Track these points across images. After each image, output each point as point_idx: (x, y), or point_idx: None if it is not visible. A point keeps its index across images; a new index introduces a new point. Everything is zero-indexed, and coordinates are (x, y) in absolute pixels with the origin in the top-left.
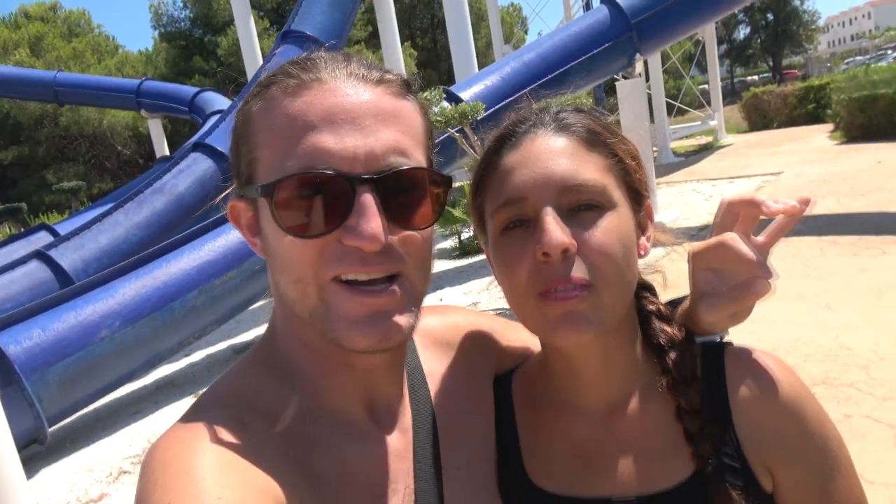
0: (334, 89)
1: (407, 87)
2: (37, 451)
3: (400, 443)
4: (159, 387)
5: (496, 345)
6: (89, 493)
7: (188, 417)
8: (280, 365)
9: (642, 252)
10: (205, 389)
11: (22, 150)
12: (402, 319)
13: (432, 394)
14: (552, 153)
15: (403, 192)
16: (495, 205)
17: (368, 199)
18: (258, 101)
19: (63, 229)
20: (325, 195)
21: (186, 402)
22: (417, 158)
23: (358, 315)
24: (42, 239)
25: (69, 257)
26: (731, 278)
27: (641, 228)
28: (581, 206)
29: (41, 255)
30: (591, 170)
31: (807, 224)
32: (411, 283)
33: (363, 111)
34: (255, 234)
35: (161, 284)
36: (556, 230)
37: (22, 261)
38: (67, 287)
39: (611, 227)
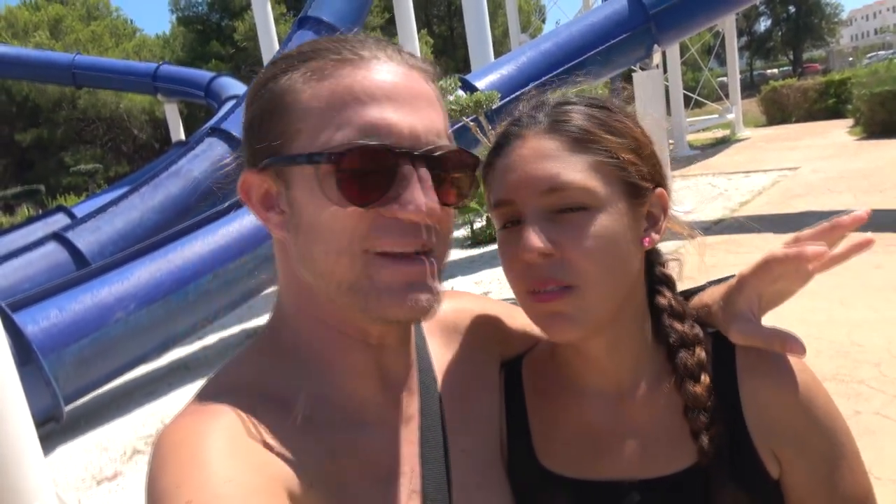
0: (388, 68)
1: (433, 76)
2: (53, 430)
3: (408, 426)
4: (173, 369)
5: (504, 330)
6: (104, 472)
7: (196, 402)
8: (288, 349)
9: (647, 244)
10: (211, 375)
11: (41, 133)
12: (434, 289)
13: (438, 378)
14: (537, 156)
15: (446, 170)
16: (491, 203)
17: (425, 174)
18: (300, 73)
19: (80, 211)
20: (383, 167)
21: (199, 385)
22: (451, 140)
23: (400, 283)
24: (59, 221)
25: (86, 239)
26: (779, 298)
27: (650, 220)
28: (566, 208)
29: (58, 236)
30: (575, 170)
31: (822, 220)
32: (439, 259)
33: (416, 92)
34: (270, 209)
35: (175, 268)
36: (531, 236)
37: (40, 242)
38: (84, 268)
39: (596, 228)
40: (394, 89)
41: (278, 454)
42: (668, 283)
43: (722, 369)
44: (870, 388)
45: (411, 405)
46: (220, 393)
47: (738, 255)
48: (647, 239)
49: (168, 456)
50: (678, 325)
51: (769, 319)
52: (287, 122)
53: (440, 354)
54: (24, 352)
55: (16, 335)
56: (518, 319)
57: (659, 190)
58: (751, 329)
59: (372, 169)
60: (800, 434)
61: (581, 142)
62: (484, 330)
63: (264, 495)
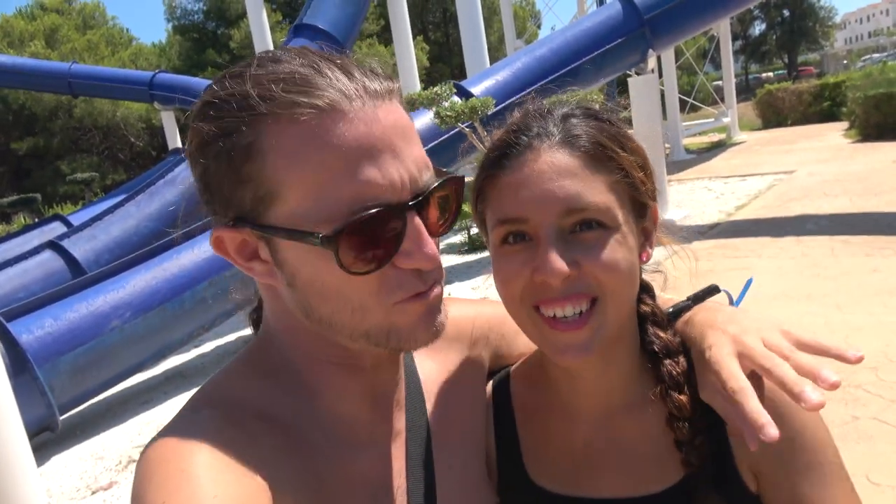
0: (359, 116)
1: (398, 87)
2: (48, 439)
3: (395, 442)
4: (169, 377)
5: (492, 334)
6: (99, 481)
7: (182, 417)
8: (275, 367)
9: (644, 258)
10: (196, 390)
11: (37, 141)
12: (444, 311)
13: (425, 391)
14: (556, 172)
15: (436, 204)
16: (496, 219)
17: (419, 223)
18: (267, 126)
19: (76, 220)
20: (380, 228)
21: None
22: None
23: (420, 317)
24: (56, 229)
25: (82, 248)
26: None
27: (645, 234)
28: (583, 226)
29: (54, 245)
30: (596, 191)
31: (818, 224)
32: (440, 277)
33: (391, 134)
34: (251, 259)
35: (171, 276)
36: (553, 259)
37: (36, 251)
38: (80, 277)
39: (615, 247)
40: (380, 139)
41: (264, 469)
42: (649, 291)
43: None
44: (867, 392)
45: (399, 420)
46: (206, 407)
47: (734, 260)
48: (644, 254)
49: (154, 471)
50: (662, 334)
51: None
52: (258, 183)
53: (426, 366)
54: (18, 361)
55: (10, 345)
56: (509, 322)
57: (653, 205)
58: (713, 396)
59: (374, 234)
60: (781, 451)
61: (598, 158)
62: (471, 337)
63: None
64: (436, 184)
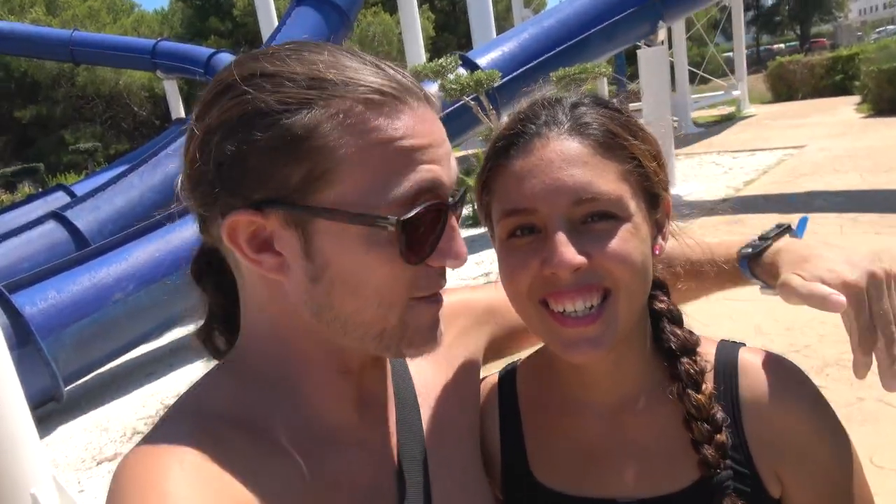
0: (417, 111)
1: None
2: (53, 409)
3: (385, 442)
4: (173, 349)
5: (490, 323)
6: (104, 452)
7: (157, 431)
8: (257, 374)
9: (657, 252)
10: (174, 401)
11: (40, 110)
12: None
13: (416, 388)
14: (565, 161)
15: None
16: (502, 210)
17: (454, 222)
18: (324, 112)
19: (80, 190)
20: (437, 223)
21: (198, 366)
22: None
23: (431, 323)
24: (59, 199)
25: (85, 218)
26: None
27: (658, 227)
28: (594, 216)
29: (58, 215)
30: (607, 180)
31: (828, 200)
32: None
33: (441, 136)
34: (262, 251)
35: (174, 248)
36: (565, 250)
37: (39, 221)
38: (83, 248)
39: (627, 238)
40: (437, 138)
41: (244, 481)
42: (663, 287)
43: (723, 387)
44: (873, 373)
45: (389, 420)
46: (182, 419)
47: (742, 236)
48: (657, 247)
49: (127, 488)
50: (678, 331)
51: (770, 306)
52: (315, 161)
53: (418, 364)
54: (22, 333)
55: (14, 317)
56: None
57: (667, 196)
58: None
59: (429, 227)
60: (803, 451)
61: (609, 147)
62: (464, 329)
63: None
64: (463, 188)
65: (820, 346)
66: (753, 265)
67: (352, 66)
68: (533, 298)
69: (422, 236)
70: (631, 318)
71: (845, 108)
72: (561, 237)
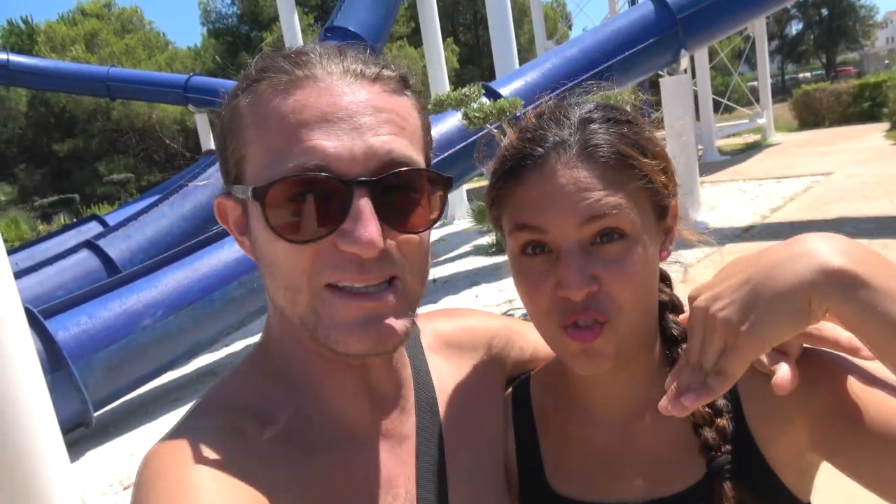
0: (329, 87)
1: (405, 83)
2: (82, 435)
3: (402, 445)
4: (200, 375)
5: (511, 348)
6: (130, 478)
7: (182, 425)
8: (277, 369)
9: (664, 256)
10: (199, 397)
11: (77, 143)
12: (397, 323)
13: (439, 398)
14: (574, 186)
15: (401, 194)
16: (513, 225)
17: (365, 203)
18: (247, 97)
19: (112, 220)
20: (320, 198)
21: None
22: (415, 158)
23: (352, 319)
24: (92, 229)
25: (117, 247)
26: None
27: (665, 232)
28: (603, 237)
29: (91, 244)
30: (617, 201)
31: (857, 227)
32: (407, 287)
33: (359, 109)
34: (244, 234)
35: (202, 276)
36: (574, 275)
37: (73, 250)
38: (113, 277)
39: (634, 257)
40: (342, 109)
41: (265, 477)
42: (666, 280)
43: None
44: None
45: (406, 424)
46: (206, 414)
47: None
48: (664, 252)
49: (152, 482)
50: (679, 320)
51: None
52: (236, 148)
53: (441, 373)
54: (55, 358)
55: (48, 342)
56: (527, 336)
57: (674, 202)
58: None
59: (308, 201)
60: (806, 401)
61: (618, 168)
62: (489, 348)
63: None
64: (400, 170)
65: None
66: None
67: (307, 52)
68: (553, 321)
69: (298, 209)
70: (634, 331)
71: (874, 134)
72: (572, 262)
